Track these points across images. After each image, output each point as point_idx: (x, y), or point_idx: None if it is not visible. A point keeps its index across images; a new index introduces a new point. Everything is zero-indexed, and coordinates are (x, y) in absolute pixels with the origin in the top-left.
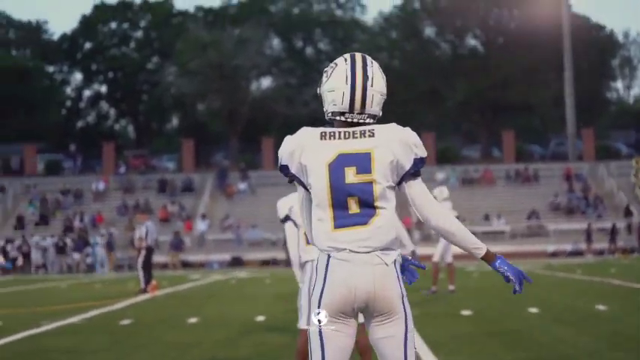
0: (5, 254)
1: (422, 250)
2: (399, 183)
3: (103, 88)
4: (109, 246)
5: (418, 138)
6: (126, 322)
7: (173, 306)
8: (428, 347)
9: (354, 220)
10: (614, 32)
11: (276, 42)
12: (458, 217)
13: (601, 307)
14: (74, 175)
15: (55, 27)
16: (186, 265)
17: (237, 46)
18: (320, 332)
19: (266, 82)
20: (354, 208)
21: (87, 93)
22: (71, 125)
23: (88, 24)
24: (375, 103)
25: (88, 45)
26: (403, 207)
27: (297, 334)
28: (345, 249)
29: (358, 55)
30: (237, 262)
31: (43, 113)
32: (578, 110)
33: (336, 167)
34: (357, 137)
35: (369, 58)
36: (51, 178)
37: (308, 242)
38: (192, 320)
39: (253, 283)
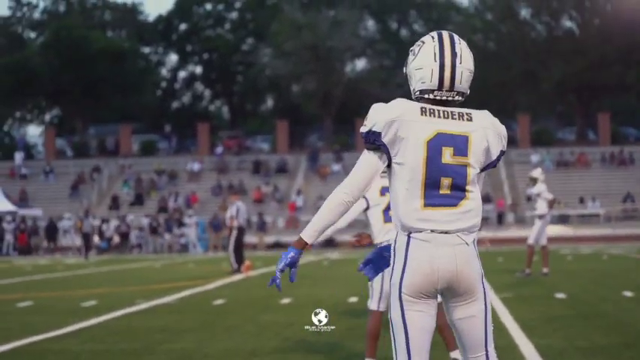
0: (101, 234)
1: (515, 233)
2: (481, 171)
3: (198, 69)
4: (215, 227)
5: (506, 131)
6: (219, 302)
7: (266, 286)
8: (522, 330)
9: (445, 200)
10: None
11: (370, 23)
12: (553, 200)
13: None
14: (169, 155)
15: (150, 8)
16: (279, 245)
17: (331, 27)
18: (403, 314)
19: (360, 64)
20: (445, 188)
21: (182, 74)
22: (166, 106)
23: (183, 5)
24: (464, 80)
25: (183, 26)
26: (497, 189)
27: (368, 315)
28: (427, 229)
29: (445, 33)
30: (329, 244)
31: (138, 94)
32: None
33: (435, 145)
34: (455, 118)
35: (456, 36)
36: (146, 159)
37: (386, 221)
38: (285, 301)
39: (346, 265)
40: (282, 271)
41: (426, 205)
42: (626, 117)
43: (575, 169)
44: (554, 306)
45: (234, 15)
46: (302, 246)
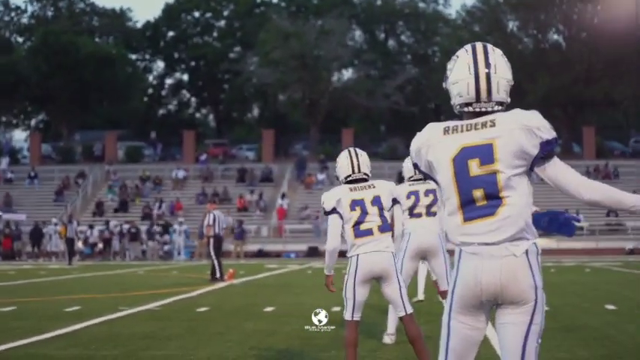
0: (85, 240)
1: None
2: (532, 169)
3: (185, 77)
4: (201, 235)
5: (543, 120)
6: (203, 309)
7: (250, 294)
8: None
9: (482, 212)
10: None
11: (358, 33)
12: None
13: None
14: (154, 162)
15: (138, 15)
16: (263, 254)
17: (319, 37)
18: (448, 324)
19: (347, 74)
20: (480, 200)
21: (169, 81)
22: (152, 113)
23: (171, 12)
24: (502, 90)
25: (170, 33)
26: None
27: (344, 326)
28: (474, 242)
29: (479, 44)
30: (313, 253)
31: (125, 101)
32: None
33: (460, 161)
34: (478, 129)
35: (489, 46)
36: (131, 165)
37: (356, 237)
38: (269, 309)
39: None
40: None
41: (465, 219)
42: (611, 131)
43: None
44: None
45: (222, 23)
46: None
